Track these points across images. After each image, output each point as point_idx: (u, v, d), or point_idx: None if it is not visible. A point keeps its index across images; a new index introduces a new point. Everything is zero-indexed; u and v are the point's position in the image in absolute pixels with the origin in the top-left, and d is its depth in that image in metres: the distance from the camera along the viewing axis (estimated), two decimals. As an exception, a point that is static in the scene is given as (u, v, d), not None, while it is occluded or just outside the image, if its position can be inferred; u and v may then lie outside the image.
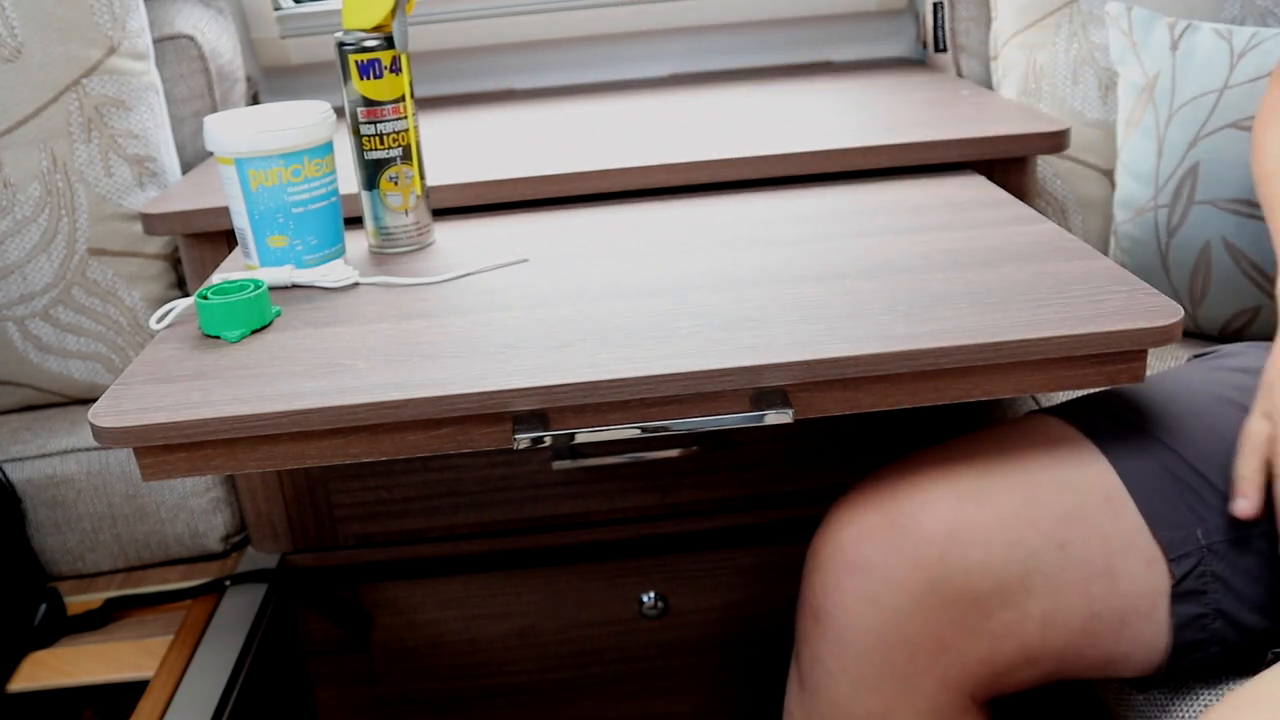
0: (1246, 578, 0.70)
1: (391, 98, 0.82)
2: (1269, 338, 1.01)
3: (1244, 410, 0.73)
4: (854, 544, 0.72)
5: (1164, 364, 1.02)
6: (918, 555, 0.70)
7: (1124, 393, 0.78)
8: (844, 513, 0.75)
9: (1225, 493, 0.70)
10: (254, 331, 0.73)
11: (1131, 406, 0.76)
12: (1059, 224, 1.10)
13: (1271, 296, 1.01)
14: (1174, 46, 1.04)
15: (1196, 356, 0.85)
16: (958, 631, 0.71)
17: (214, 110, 1.22)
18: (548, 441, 0.65)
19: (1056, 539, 0.70)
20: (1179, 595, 0.70)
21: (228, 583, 1.08)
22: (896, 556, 0.71)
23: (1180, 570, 0.69)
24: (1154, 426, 0.74)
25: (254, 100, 1.40)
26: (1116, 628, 0.71)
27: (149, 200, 1.09)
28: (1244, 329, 1.03)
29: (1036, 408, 1.01)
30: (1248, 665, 0.73)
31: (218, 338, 0.73)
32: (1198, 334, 1.07)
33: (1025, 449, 0.74)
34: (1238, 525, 0.70)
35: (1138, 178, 1.06)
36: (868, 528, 0.72)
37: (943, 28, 1.31)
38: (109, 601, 1.05)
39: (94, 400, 0.92)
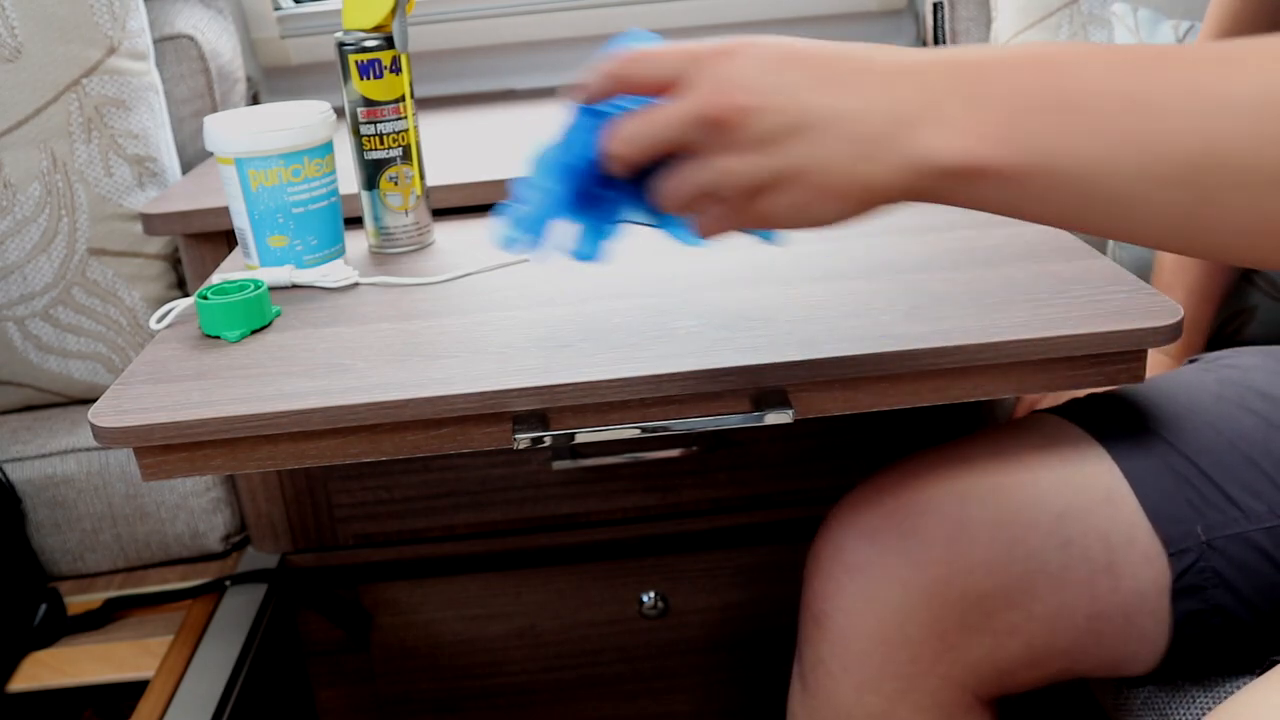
0: (1246, 575, 0.70)
1: (391, 98, 0.82)
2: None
3: (1242, 409, 0.73)
4: (854, 546, 0.72)
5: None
6: (920, 556, 0.70)
7: (1125, 392, 0.78)
8: (844, 515, 0.74)
9: (1225, 489, 0.70)
10: (254, 331, 0.73)
11: (1132, 404, 0.76)
12: (1059, 224, 1.09)
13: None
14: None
15: (1192, 361, 0.85)
16: (960, 631, 0.71)
17: (214, 110, 1.22)
18: (548, 441, 0.65)
19: (1058, 538, 0.70)
20: (1179, 591, 0.70)
21: (228, 583, 1.08)
22: (898, 557, 0.70)
23: (1180, 565, 0.69)
24: (1155, 423, 0.74)
25: (254, 100, 1.40)
26: (1122, 626, 0.71)
27: (149, 200, 1.09)
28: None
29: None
30: (1244, 664, 0.73)
31: (218, 338, 0.73)
32: (1197, 334, 1.07)
33: (1025, 448, 0.74)
34: (1238, 522, 0.70)
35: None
36: (868, 529, 0.72)
37: (943, 28, 1.31)
38: (109, 601, 1.05)
39: (94, 400, 0.91)
